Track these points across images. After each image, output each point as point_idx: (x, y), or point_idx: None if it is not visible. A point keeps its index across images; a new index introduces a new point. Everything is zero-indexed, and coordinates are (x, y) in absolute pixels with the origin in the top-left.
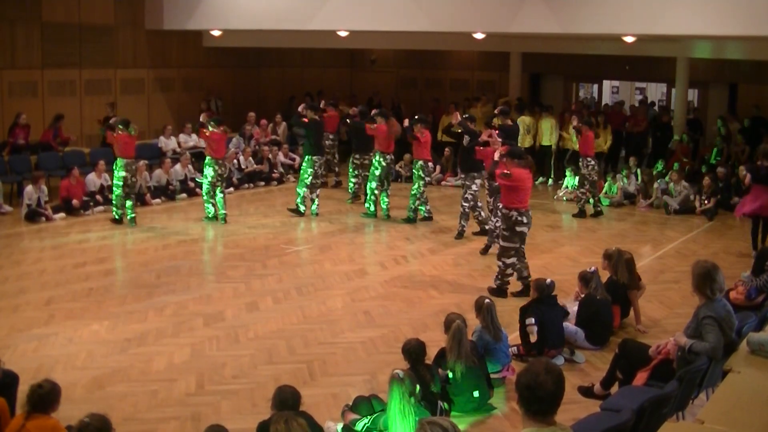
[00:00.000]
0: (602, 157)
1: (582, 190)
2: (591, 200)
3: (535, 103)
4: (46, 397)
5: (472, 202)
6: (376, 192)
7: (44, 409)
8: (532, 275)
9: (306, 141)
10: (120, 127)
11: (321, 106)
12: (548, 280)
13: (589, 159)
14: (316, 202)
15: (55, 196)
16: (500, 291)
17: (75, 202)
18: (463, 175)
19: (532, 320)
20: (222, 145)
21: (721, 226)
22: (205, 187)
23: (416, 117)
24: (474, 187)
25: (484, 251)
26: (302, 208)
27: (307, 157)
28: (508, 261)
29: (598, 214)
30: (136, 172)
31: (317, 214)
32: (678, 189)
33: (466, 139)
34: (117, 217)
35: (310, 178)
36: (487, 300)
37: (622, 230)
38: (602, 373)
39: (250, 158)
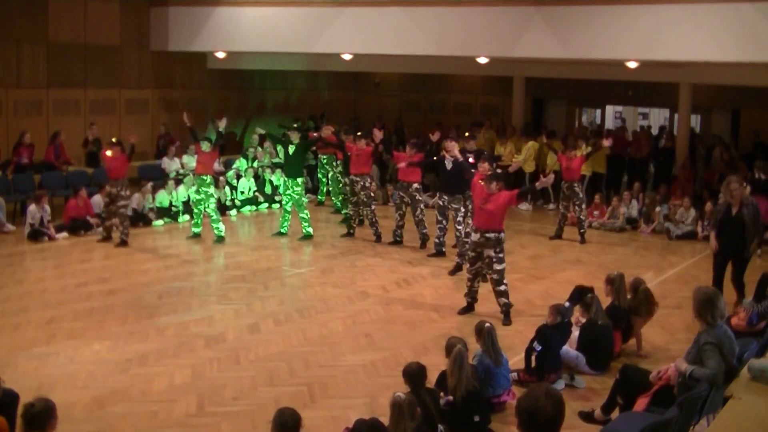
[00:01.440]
0: (602, 179)
1: (583, 215)
2: (562, 224)
3: (540, 127)
4: (39, 416)
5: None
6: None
7: (41, 427)
8: (534, 300)
9: (296, 161)
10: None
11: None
12: (567, 304)
13: (575, 183)
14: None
15: (59, 215)
16: (509, 315)
17: (94, 221)
18: (447, 198)
19: (539, 347)
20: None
21: None
22: (213, 206)
23: (412, 141)
24: (463, 210)
25: (455, 271)
26: (311, 230)
27: (300, 179)
28: (506, 281)
29: (557, 237)
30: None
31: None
32: (686, 216)
33: (449, 162)
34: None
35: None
36: (487, 324)
37: (624, 255)
38: (603, 398)
39: (252, 180)
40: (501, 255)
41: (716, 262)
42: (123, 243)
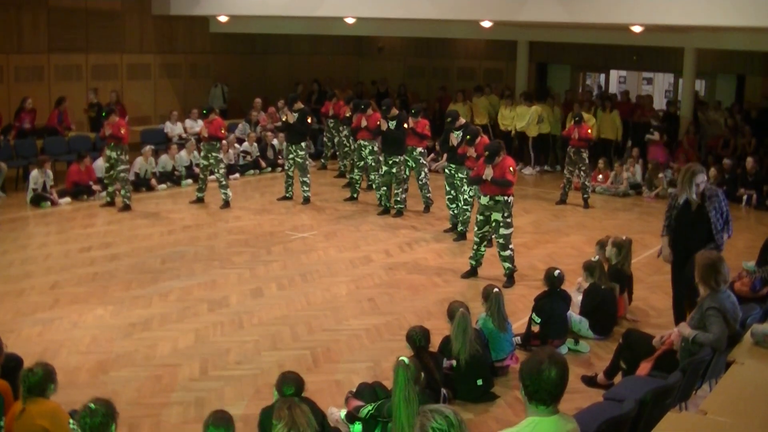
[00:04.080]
0: (612, 145)
1: (587, 181)
2: (567, 189)
3: (542, 92)
4: (39, 381)
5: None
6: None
7: (41, 392)
8: (537, 265)
9: (298, 127)
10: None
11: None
12: (557, 272)
13: (581, 149)
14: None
15: (61, 180)
16: (512, 278)
17: (96, 187)
18: (454, 166)
19: (539, 320)
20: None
21: None
22: (223, 171)
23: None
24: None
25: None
26: (309, 194)
27: (303, 144)
28: (512, 246)
29: (562, 202)
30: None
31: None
32: None
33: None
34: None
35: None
36: (495, 289)
37: (628, 220)
38: (606, 362)
39: (255, 144)
40: (509, 220)
41: (675, 277)
42: (126, 207)
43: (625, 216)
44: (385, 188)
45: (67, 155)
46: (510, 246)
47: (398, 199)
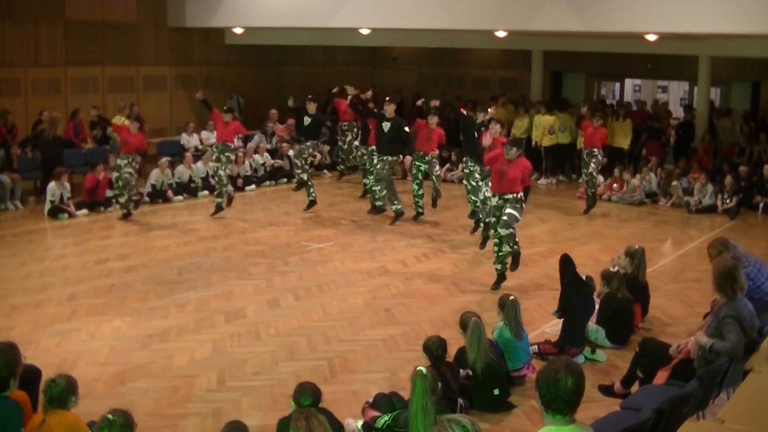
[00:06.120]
0: (625, 154)
1: (590, 190)
2: (590, 193)
3: (558, 101)
4: (60, 392)
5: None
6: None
7: (63, 404)
8: (553, 274)
9: (312, 133)
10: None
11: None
12: (584, 277)
13: (595, 150)
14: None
15: (78, 192)
16: (517, 261)
17: (99, 195)
18: (471, 163)
19: (559, 327)
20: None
21: (743, 225)
22: (225, 173)
23: (433, 110)
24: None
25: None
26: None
27: (311, 142)
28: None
29: (589, 209)
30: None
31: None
32: (703, 192)
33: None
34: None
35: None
36: (511, 297)
37: (643, 229)
38: (623, 371)
39: (266, 154)
40: (517, 206)
41: None
42: (128, 214)
43: (641, 225)
44: (385, 192)
45: (83, 167)
46: (512, 227)
47: (377, 196)
